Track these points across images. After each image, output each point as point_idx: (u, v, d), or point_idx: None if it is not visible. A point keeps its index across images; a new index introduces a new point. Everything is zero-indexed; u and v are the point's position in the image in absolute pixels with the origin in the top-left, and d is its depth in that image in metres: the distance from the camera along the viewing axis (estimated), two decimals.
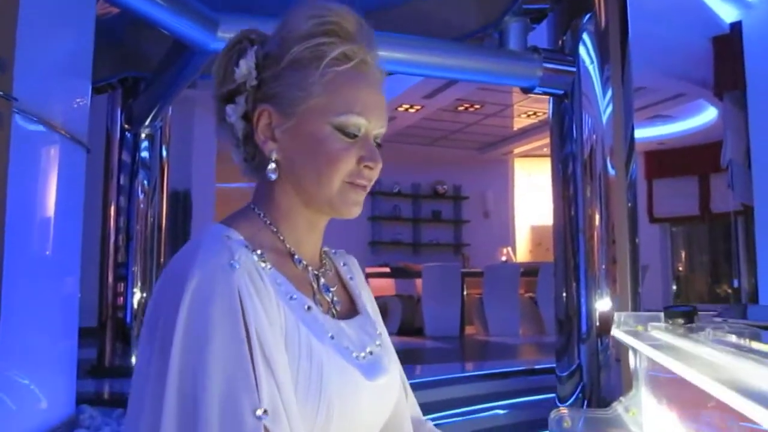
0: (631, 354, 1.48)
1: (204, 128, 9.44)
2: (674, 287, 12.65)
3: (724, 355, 0.99)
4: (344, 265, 1.07)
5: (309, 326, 0.85)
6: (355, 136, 0.89)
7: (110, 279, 5.21)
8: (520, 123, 10.68)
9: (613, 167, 3.89)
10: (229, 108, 0.91)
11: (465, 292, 8.84)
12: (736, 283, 10.88)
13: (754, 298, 9.34)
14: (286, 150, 0.90)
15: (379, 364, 0.94)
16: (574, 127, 3.95)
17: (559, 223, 4.07)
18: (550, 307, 8.23)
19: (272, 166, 0.90)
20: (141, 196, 5.32)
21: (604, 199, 3.88)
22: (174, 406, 0.73)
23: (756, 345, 0.96)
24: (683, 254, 12.91)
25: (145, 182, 5.34)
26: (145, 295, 5.28)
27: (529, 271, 9.09)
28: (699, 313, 1.42)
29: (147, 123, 4.99)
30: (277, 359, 0.78)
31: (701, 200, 11.52)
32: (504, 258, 10.29)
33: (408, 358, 5.88)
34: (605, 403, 3.88)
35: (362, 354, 0.91)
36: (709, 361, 1.01)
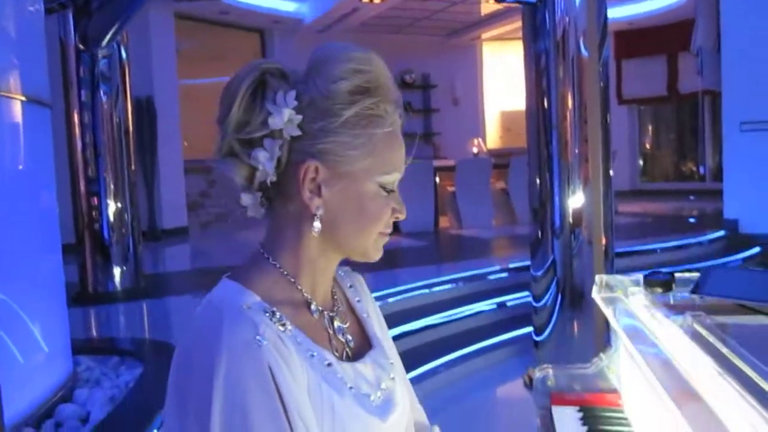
0: (610, 313, 1.55)
1: (161, 29, 9.04)
2: (641, 163, 12.93)
3: (693, 348, 1.07)
4: (350, 287, 1.08)
5: (330, 383, 0.88)
6: (392, 190, 0.93)
7: (83, 193, 5.17)
8: (487, 8, 10.40)
9: (586, 49, 3.88)
10: (261, 154, 0.87)
11: (438, 185, 8.95)
12: (702, 170, 11.16)
13: (718, 176, 9.61)
14: (330, 205, 0.90)
15: (392, 399, 0.98)
16: (546, 9, 3.89)
17: (532, 106, 4.08)
18: (521, 197, 8.45)
19: (318, 224, 0.90)
20: (105, 107, 5.21)
21: (576, 81, 3.90)
22: None
23: (724, 349, 1.02)
24: (650, 134, 13.09)
25: (106, 94, 5.21)
26: (119, 205, 5.25)
27: (501, 164, 9.18)
28: (676, 278, 1.48)
29: (104, 44, 4.76)
30: (310, 425, 0.82)
31: (669, 81, 11.55)
32: (475, 150, 10.33)
33: (386, 262, 6.03)
34: (578, 295, 4.10)
35: (378, 393, 0.95)
36: (681, 352, 1.09)
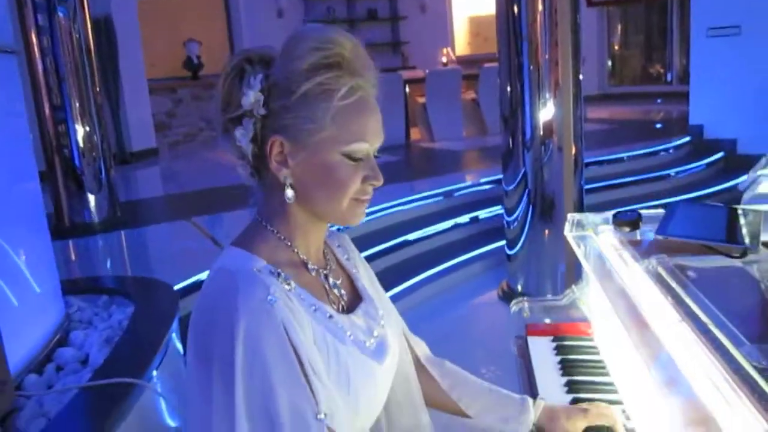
0: (581, 253, 1.65)
1: None
2: (609, 64, 12.92)
3: (654, 290, 1.18)
4: (339, 246, 1.19)
5: (333, 333, 1.00)
6: (361, 159, 0.99)
7: (48, 119, 5.07)
8: None
9: None
10: (239, 132, 0.98)
11: (408, 97, 8.89)
12: (669, 77, 11.20)
13: (684, 79, 9.68)
14: (299, 175, 0.99)
15: (385, 344, 1.09)
16: None
17: (502, 11, 4.06)
18: (491, 108, 8.45)
19: (290, 192, 0.98)
20: (63, 29, 5.04)
21: None
22: (245, 425, 0.87)
23: (681, 292, 1.13)
24: (619, 34, 13.01)
25: (64, 15, 5.03)
26: (87, 128, 5.17)
27: (471, 74, 9.12)
28: (643, 216, 1.57)
29: None
30: (320, 370, 0.93)
31: None
32: (444, 59, 10.22)
33: None
34: (549, 205, 4.23)
35: (371, 340, 1.07)
36: (643, 294, 1.20)
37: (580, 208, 4.32)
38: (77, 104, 5.14)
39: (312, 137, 0.96)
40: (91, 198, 5.27)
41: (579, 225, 1.66)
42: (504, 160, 4.34)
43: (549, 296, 1.77)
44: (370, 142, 0.99)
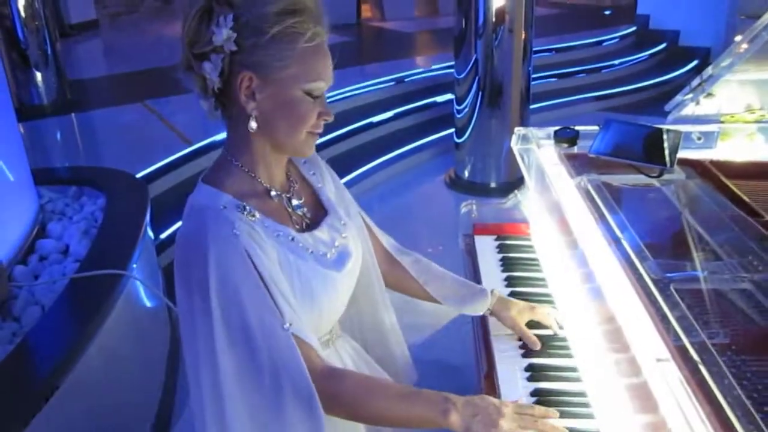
0: (524, 167, 1.86)
1: None
2: None
3: (582, 206, 1.41)
4: (305, 163, 1.32)
5: (295, 253, 1.14)
6: (318, 96, 1.12)
7: None
8: None
9: None
10: (208, 66, 1.07)
11: None
12: None
13: None
14: (264, 109, 1.10)
15: (346, 251, 1.26)
16: None
17: None
18: None
19: (254, 123, 1.11)
20: None
21: None
22: (224, 339, 1.05)
23: (604, 209, 1.36)
24: None
25: None
26: None
27: None
28: (581, 133, 1.78)
29: None
30: (283, 288, 1.11)
31: None
32: None
33: None
34: (497, 91, 4.41)
35: (332, 251, 1.23)
36: (572, 206, 1.44)
37: (527, 96, 4.51)
38: None
39: (279, 74, 1.07)
40: (38, 75, 5.15)
41: (524, 139, 1.86)
42: (456, 47, 4.45)
43: (495, 200, 2.00)
44: (326, 81, 1.11)
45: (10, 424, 1.45)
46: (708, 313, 1.06)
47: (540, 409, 1.12)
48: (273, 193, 1.19)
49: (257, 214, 1.12)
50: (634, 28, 7.16)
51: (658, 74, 6.39)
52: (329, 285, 1.20)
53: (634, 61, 6.63)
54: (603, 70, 6.36)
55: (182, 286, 1.08)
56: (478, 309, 1.43)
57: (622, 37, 7.03)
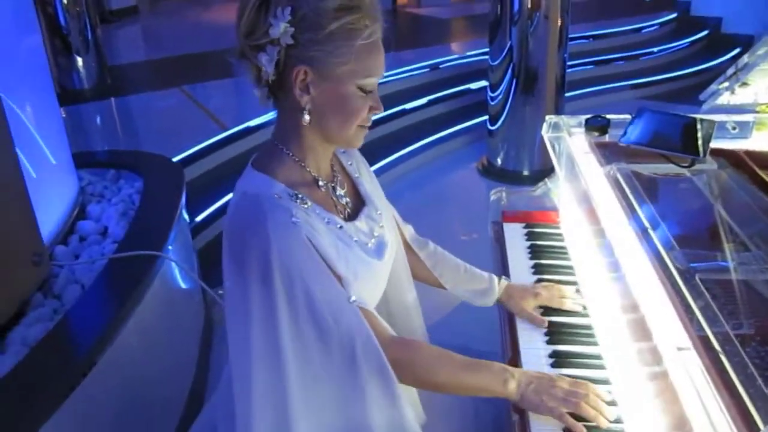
0: (554, 155, 1.86)
1: None
2: None
3: (611, 194, 1.42)
4: (343, 152, 1.36)
5: (342, 240, 1.18)
6: (370, 91, 1.15)
7: None
8: None
9: None
10: (263, 58, 1.09)
11: None
12: None
13: None
14: (317, 102, 1.12)
15: (383, 241, 1.30)
16: None
17: None
18: None
19: (307, 117, 1.14)
20: None
21: None
22: (288, 320, 1.07)
23: (632, 198, 1.36)
24: None
25: None
26: None
27: None
28: (612, 121, 1.77)
29: None
30: (341, 266, 1.14)
31: None
32: None
33: None
34: (533, 78, 4.37)
35: (372, 240, 1.27)
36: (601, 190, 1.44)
37: (562, 83, 4.46)
38: None
39: (335, 70, 1.09)
40: (80, 60, 5.27)
41: (555, 127, 1.85)
42: (491, 33, 4.41)
43: (525, 187, 2.00)
44: (378, 77, 1.14)
45: (51, 397, 1.51)
46: (733, 304, 1.06)
47: (593, 389, 1.15)
48: (320, 182, 1.22)
49: (309, 202, 1.16)
50: (674, 15, 7.02)
51: (699, 62, 6.26)
52: (372, 273, 1.24)
53: (674, 49, 6.50)
54: (641, 58, 6.25)
55: (235, 270, 1.11)
56: (488, 301, 1.47)
57: (661, 24, 6.90)
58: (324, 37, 1.07)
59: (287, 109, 1.17)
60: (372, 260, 1.24)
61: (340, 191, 1.27)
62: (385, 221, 1.33)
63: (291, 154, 1.19)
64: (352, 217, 1.27)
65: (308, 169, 1.21)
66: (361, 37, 1.08)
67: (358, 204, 1.31)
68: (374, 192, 1.37)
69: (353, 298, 1.13)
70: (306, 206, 1.15)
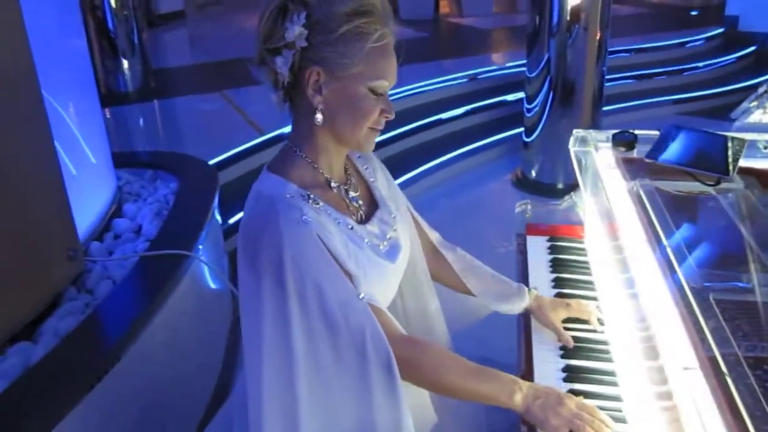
0: (578, 170, 1.85)
1: None
2: None
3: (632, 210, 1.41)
4: (359, 157, 1.39)
5: (354, 241, 1.20)
6: (381, 94, 1.18)
7: None
8: None
9: None
10: (279, 60, 1.14)
11: None
12: None
13: None
14: (330, 103, 1.16)
15: (397, 244, 1.32)
16: None
17: None
18: None
19: (320, 116, 1.17)
20: None
21: None
22: (299, 316, 1.09)
23: (653, 214, 1.35)
24: None
25: None
26: None
27: None
28: (639, 137, 1.76)
29: None
30: (351, 265, 1.17)
31: None
32: None
33: None
34: (570, 91, 4.35)
35: (385, 243, 1.29)
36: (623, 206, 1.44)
37: (600, 97, 4.42)
38: None
39: (346, 71, 1.13)
40: (125, 63, 5.41)
41: (582, 141, 1.85)
42: (529, 45, 4.40)
43: (551, 201, 1.99)
44: (389, 81, 1.16)
45: (77, 387, 1.57)
46: (749, 326, 1.04)
47: (599, 415, 1.13)
48: (333, 184, 1.25)
49: (320, 203, 1.19)
50: (721, 30, 6.88)
51: (746, 78, 6.12)
52: (382, 275, 1.26)
53: (720, 64, 6.37)
54: (684, 73, 6.14)
55: (248, 269, 1.14)
56: (515, 308, 1.47)
57: (707, 39, 6.77)
58: (336, 39, 1.11)
59: (301, 111, 1.20)
60: (383, 262, 1.26)
61: (353, 194, 1.30)
62: (399, 225, 1.35)
63: (304, 155, 1.22)
64: (364, 220, 1.29)
65: (321, 171, 1.24)
66: (371, 40, 1.12)
67: (372, 207, 1.33)
68: (390, 197, 1.38)
69: (362, 295, 1.15)
70: (317, 206, 1.18)
